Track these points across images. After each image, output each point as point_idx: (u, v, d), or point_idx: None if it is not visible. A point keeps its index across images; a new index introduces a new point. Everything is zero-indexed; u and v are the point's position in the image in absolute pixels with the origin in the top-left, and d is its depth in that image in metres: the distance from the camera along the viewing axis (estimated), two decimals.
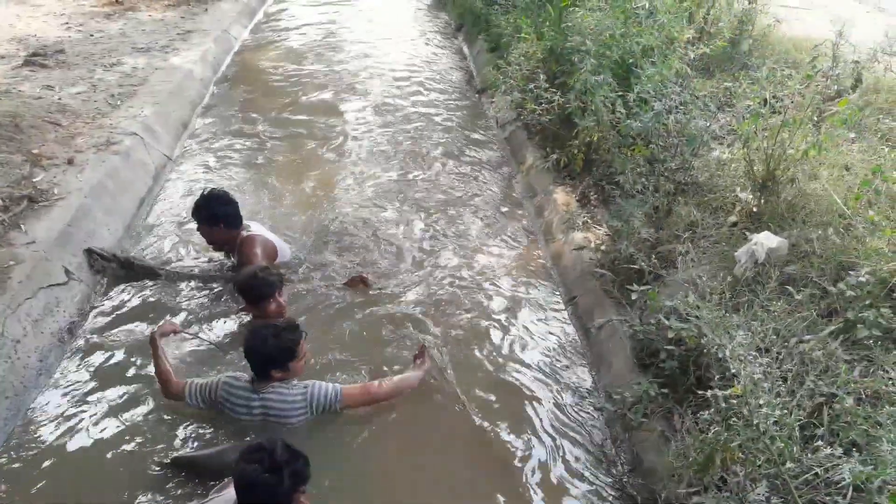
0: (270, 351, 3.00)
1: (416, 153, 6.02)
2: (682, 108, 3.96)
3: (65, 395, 3.36)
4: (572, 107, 4.68)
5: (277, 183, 5.44)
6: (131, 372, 3.50)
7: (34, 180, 4.61)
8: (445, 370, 3.47)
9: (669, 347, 2.88)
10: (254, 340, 3.02)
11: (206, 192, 4.13)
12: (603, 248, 3.95)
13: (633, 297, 3.20)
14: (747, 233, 3.41)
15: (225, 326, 3.85)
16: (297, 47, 9.14)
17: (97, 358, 3.60)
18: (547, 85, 5.13)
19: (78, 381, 3.45)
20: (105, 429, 3.16)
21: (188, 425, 3.18)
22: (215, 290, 4.15)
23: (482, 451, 3.11)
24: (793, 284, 2.98)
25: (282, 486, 2.24)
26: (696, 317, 2.74)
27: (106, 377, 3.47)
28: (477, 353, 3.67)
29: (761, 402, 2.25)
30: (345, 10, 10.91)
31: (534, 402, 3.34)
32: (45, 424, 3.18)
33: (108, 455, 3.03)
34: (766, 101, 4.29)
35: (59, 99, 6.01)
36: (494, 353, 3.67)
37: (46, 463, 2.98)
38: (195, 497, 2.79)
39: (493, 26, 7.24)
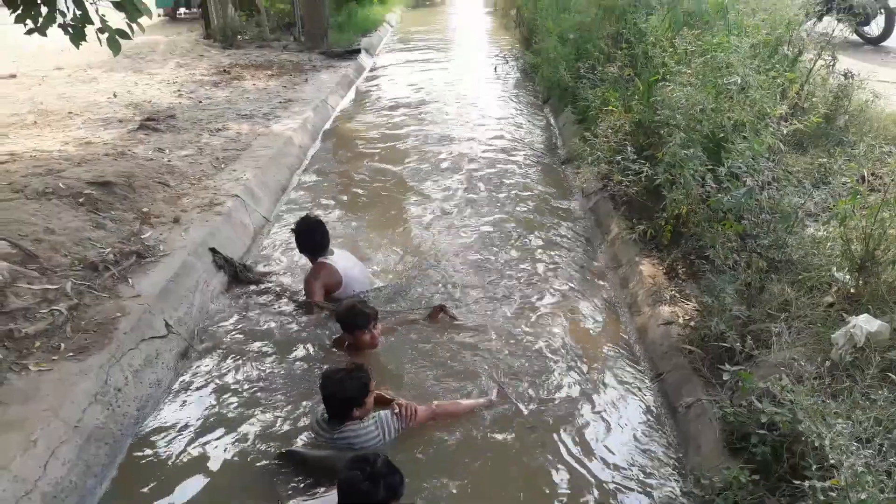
0: (350, 392, 3.29)
1: (501, 217, 6.13)
2: (775, 183, 3.90)
3: (159, 442, 3.50)
4: (661, 179, 4.67)
5: (369, 236, 5.76)
6: (227, 421, 3.65)
7: (143, 237, 4.93)
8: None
9: (762, 432, 2.77)
10: (332, 386, 3.29)
11: (302, 218, 4.84)
12: (692, 323, 3.86)
13: (724, 377, 3.11)
14: (844, 315, 3.28)
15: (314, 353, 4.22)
16: (391, 116, 9.54)
17: (193, 406, 3.77)
18: (634, 157, 5.15)
19: (173, 428, 3.60)
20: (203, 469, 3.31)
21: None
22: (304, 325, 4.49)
23: None
24: None
25: (377, 495, 2.57)
26: (791, 401, 2.64)
27: (201, 426, 3.62)
28: (555, 421, 3.61)
29: (863, 496, 2.14)
30: (436, 83, 11.37)
31: (615, 480, 3.25)
32: (140, 470, 3.33)
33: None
34: (864, 178, 4.18)
35: (169, 161, 6.44)
36: (574, 422, 3.60)
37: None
38: (302, 492, 3.11)
39: (580, 99, 7.35)
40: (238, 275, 5.00)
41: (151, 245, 4.82)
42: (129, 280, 4.37)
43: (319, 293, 4.55)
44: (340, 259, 4.70)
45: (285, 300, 4.78)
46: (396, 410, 3.42)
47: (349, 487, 2.60)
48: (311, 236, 4.69)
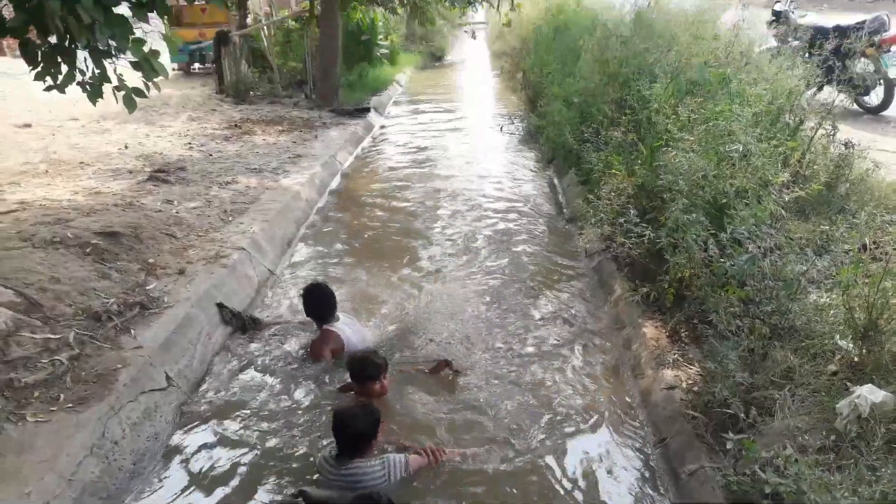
0: (363, 427, 3.44)
1: (504, 272, 6.17)
2: (777, 250, 3.92)
3: (158, 495, 3.46)
4: (663, 243, 4.70)
5: (372, 289, 5.80)
6: (228, 472, 3.64)
7: (147, 288, 4.95)
8: None
9: (766, 502, 2.73)
10: (345, 421, 3.43)
11: (310, 284, 4.97)
12: (695, 388, 3.84)
13: (728, 444, 3.07)
14: (849, 384, 3.26)
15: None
16: (397, 172, 9.69)
17: (190, 462, 3.73)
18: (637, 220, 5.20)
19: (171, 480, 3.57)
20: None
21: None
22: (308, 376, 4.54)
23: None
24: None
25: None
26: (796, 473, 2.60)
27: (200, 479, 3.60)
28: (556, 480, 3.57)
29: None
30: (442, 142, 11.56)
31: None
32: None
33: None
34: (865, 246, 4.20)
35: (177, 212, 6.51)
36: (575, 482, 3.57)
37: None
38: None
39: (584, 162, 7.45)
40: (246, 327, 5.04)
41: (156, 296, 4.84)
42: (132, 331, 4.38)
43: (328, 358, 4.61)
44: (345, 326, 4.77)
45: (291, 351, 4.80)
46: (430, 455, 3.57)
47: None
48: (319, 302, 4.77)
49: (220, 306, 5.03)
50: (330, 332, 4.67)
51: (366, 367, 4.06)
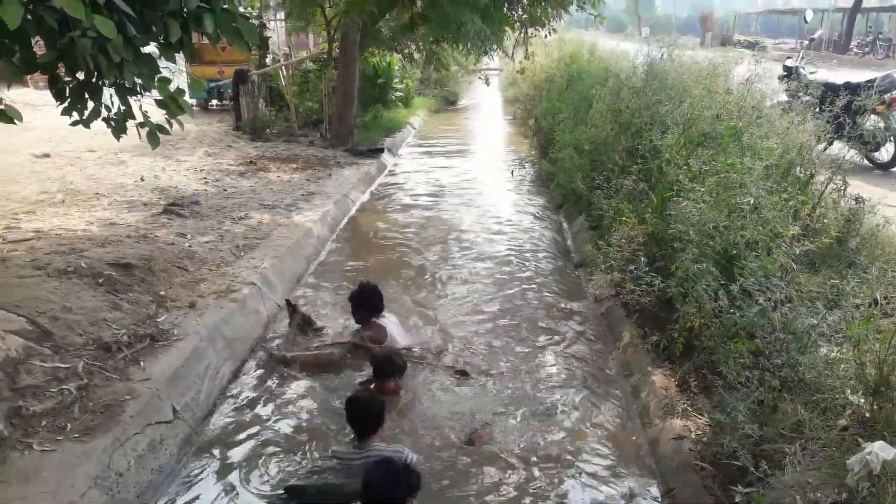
0: (375, 408, 3.84)
1: (513, 313, 6.19)
2: (787, 303, 3.92)
3: None
4: (673, 292, 4.71)
5: None
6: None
7: (158, 320, 4.98)
8: None
9: None
10: (359, 403, 3.86)
11: (362, 283, 5.52)
12: (704, 439, 3.81)
13: (737, 498, 3.04)
14: (860, 439, 3.22)
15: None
16: (408, 212, 9.77)
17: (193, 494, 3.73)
18: (647, 268, 5.21)
19: None
20: None
21: None
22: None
23: None
24: None
25: (398, 490, 3.07)
26: None
27: None
28: None
29: None
30: (454, 183, 11.67)
31: None
32: None
33: None
34: (876, 301, 4.19)
35: (190, 246, 6.57)
36: None
37: None
38: None
39: (594, 208, 7.49)
40: (308, 323, 5.62)
41: (166, 329, 4.87)
42: (141, 363, 4.39)
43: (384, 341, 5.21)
44: (390, 323, 5.35)
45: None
46: None
47: (374, 483, 3.03)
48: (371, 298, 5.35)
49: (288, 302, 5.76)
50: (376, 323, 5.27)
51: (387, 364, 4.51)
